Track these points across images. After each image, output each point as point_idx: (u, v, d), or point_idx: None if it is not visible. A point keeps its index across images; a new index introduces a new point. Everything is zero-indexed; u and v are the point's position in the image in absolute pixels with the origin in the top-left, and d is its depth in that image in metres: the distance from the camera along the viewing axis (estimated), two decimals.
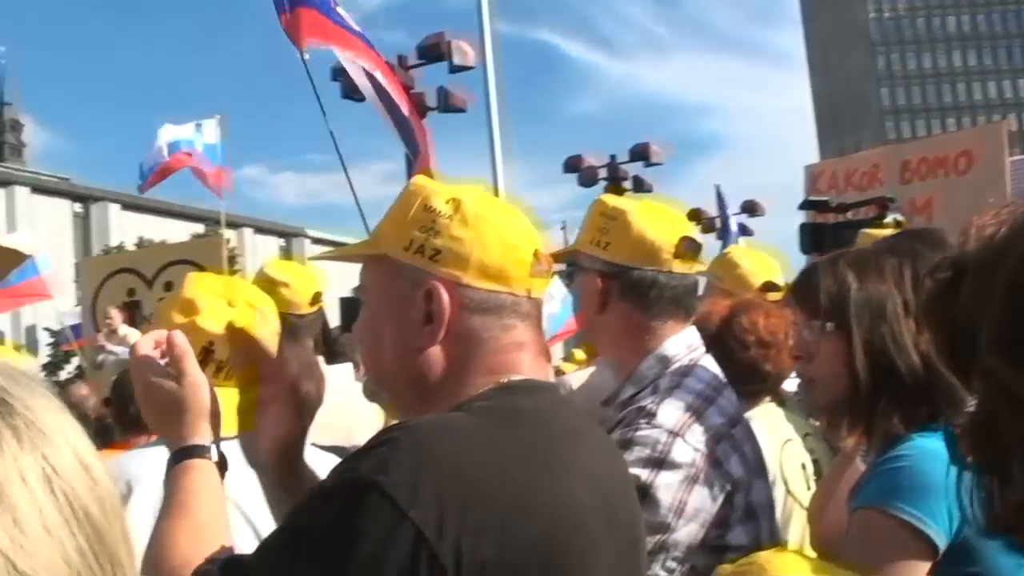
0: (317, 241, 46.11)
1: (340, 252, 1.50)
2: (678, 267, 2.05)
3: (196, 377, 1.49)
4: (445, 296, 1.33)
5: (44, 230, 12.69)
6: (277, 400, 1.61)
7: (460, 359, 1.34)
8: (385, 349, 1.39)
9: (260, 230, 43.31)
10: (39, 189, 35.62)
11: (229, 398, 1.77)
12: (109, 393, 3.82)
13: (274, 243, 44.31)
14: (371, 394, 2.12)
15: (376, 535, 1.10)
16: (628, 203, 2.11)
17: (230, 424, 1.75)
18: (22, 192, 34.68)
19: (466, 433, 1.21)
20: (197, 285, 1.93)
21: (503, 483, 1.16)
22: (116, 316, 9.58)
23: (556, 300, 7.26)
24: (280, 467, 1.59)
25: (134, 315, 9.84)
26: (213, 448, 1.48)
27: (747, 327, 2.71)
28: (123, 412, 3.41)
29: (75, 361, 28.29)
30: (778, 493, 2.51)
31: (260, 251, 42.41)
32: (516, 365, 1.36)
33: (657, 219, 2.08)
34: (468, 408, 1.29)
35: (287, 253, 44.82)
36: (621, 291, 2.05)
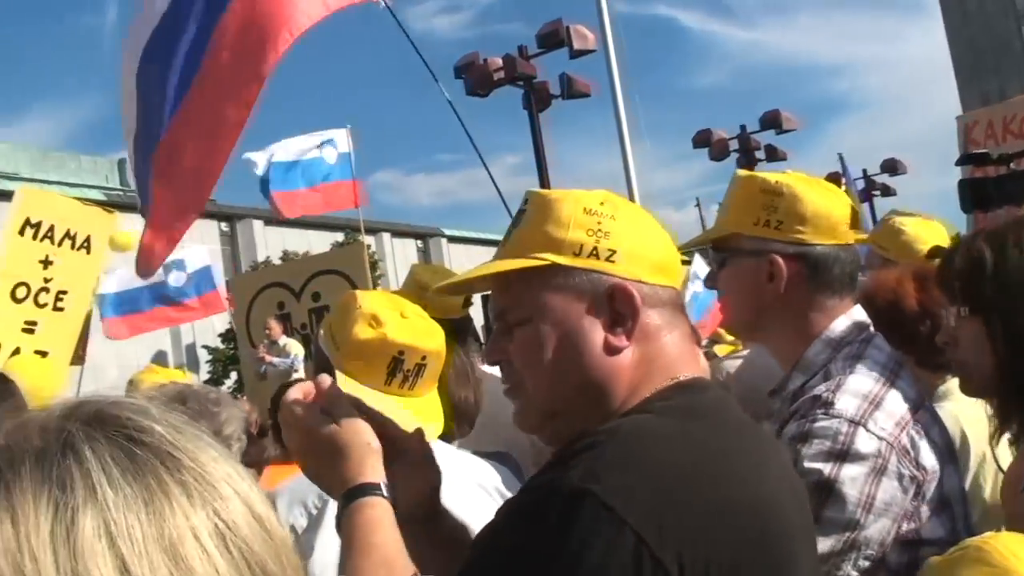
0: (453, 240, 46.70)
1: (497, 267, 1.43)
2: (852, 239, 1.96)
3: (354, 418, 1.48)
4: (637, 295, 1.33)
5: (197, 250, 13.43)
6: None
7: (647, 359, 1.34)
8: (561, 361, 1.35)
9: (397, 233, 44.16)
10: None
11: (421, 407, 1.90)
12: (271, 406, 3.92)
13: (412, 245, 45.12)
14: None
15: (597, 544, 1.08)
16: (789, 177, 2.00)
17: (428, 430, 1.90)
18: None
19: (666, 434, 1.21)
20: (372, 299, 2.02)
21: (711, 482, 1.16)
22: (275, 327, 9.90)
23: (697, 282, 7.11)
24: (422, 518, 1.55)
25: (286, 326, 10.17)
26: (384, 486, 1.45)
27: (921, 298, 2.53)
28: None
29: (234, 376, 29.53)
30: (988, 473, 2.36)
31: (399, 254, 43.25)
32: (688, 362, 1.35)
33: (822, 190, 1.98)
34: (651, 409, 1.28)
35: (425, 254, 45.58)
36: (799, 272, 1.94)
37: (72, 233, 6.34)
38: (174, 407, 2.21)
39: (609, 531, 1.08)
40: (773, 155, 22.45)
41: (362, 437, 1.47)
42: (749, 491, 1.19)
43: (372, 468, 1.45)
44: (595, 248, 1.34)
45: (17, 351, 6.01)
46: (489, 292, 1.50)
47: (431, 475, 1.60)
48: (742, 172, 2.10)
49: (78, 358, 12.35)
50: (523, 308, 1.38)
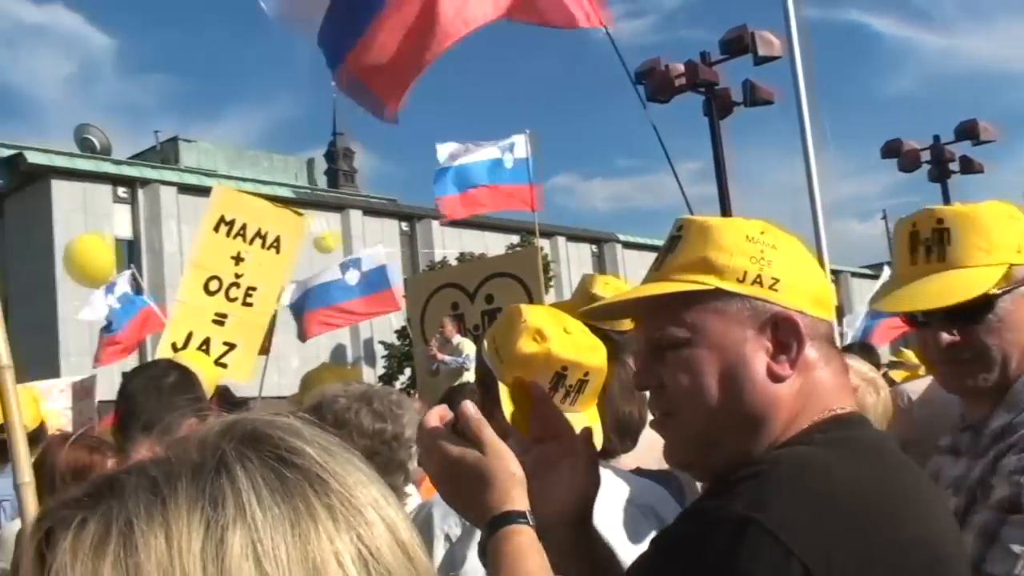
0: (628, 246, 46.48)
1: (660, 289, 1.40)
2: None
3: (498, 445, 1.46)
4: (804, 323, 1.32)
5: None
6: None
7: (806, 390, 1.32)
8: (723, 387, 1.33)
9: (572, 238, 44.33)
10: (370, 211, 38.54)
11: (581, 423, 1.92)
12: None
13: (586, 250, 45.19)
14: None
15: (763, 574, 1.08)
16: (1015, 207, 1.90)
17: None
18: (355, 215, 37.71)
19: (830, 466, 1.19)
20: (537, 314, 2.06)
21: (878, 517, 1.14)
22: (450, 326, 10.11)
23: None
24: (572, 523, 1.53)
25: (459, 327, 10.38)
26: (528, 515, 1.42)
27: None
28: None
29: (408, 372, 30.35)
30: None
31: (573, 259, 43.39)
32: (844, 395, 1.34)
33: None
34: (811, 441, 1.26)
35: (599, 259, 45.56)
36: None
37: (263, 232, 6.61)
38: (358, 407, 2.25)
39: (775, 560, 1.07)
40: (969, 167, 21.21)
41: (506, 464, 1.44)
42: (919, 528, 1.17)
43: (517, 497, 1.42)
44: (759, 276, 1.33)
45: (207, 341, 6.33)
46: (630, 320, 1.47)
47: (590, 479, 1.58)
48: (975, 204, 1.95)
49: (264, 349, 13.01)
50: (682, 330, 1.36)
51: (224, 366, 6.32)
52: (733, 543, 1.09)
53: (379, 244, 14.12)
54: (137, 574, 0.62)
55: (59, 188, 30.81)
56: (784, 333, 1.33)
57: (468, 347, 10.24)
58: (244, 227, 6.57)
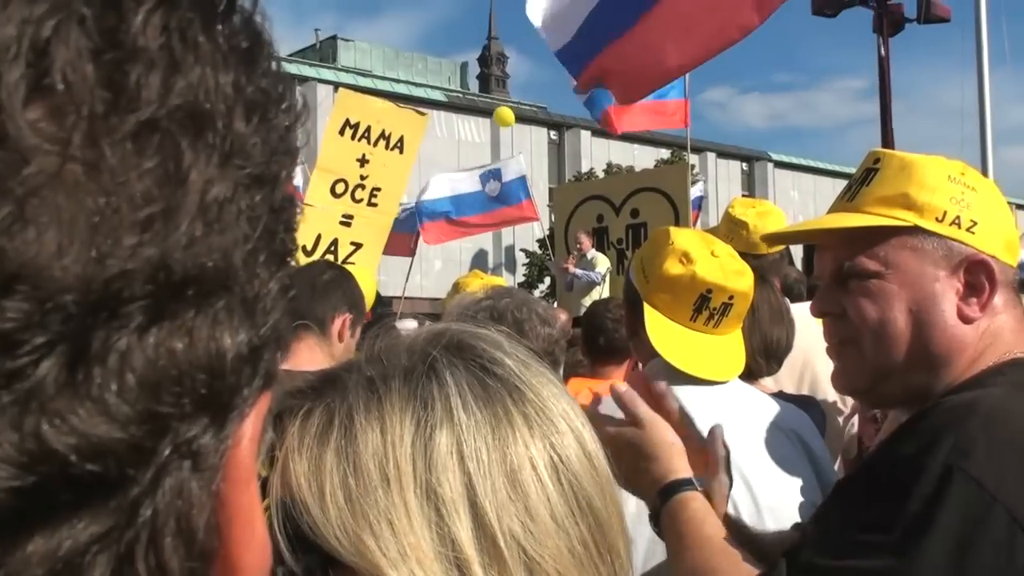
0: (780, 165, 45.16)
1: (861, 222, 1.40)
2: None
3: (653, 418, 1.47)
4: (996, 268, 1.34)
5: (524, 157, 13.74)
6: None
7: (991, 333, 1.34)
8: (911, 322, 1.35)
9: (723, 154, 43.31)
10: (520, 118, 38.56)
11: (723, 345, 1.94)
12: (582, 320, 4.04)
13: (736, 168, 44.12)
14: None
15: (966, 522, 1.09)
16: None
17: (721, 370, 1.99)
18: None
19: (1022, 410, 1.19)
20: (685, 237, 2.08)
21: None
22: (585, 240, 10.10)
23: None
24: None
25: (602, 240, 10.34)
26: (695, 480, 1.44)
27: None
28: (592, 342, 3.59)
29: (548, 280, 30.57)
30: None
31: (722, 176, 42.46)
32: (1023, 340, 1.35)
33: None
34: (990, 383, 1.27)
35: (749, 178, 44.43)
36: None
37: (387, 134, 6.76)
38: (529, 312, 2.28)
39: (980, 509, 1.09)
40: None
41: (664, 434, 1.46)
42: None
43: (680, 465, 1.44)
44: (958, 217, 1.35)
45: (335, 242, 6.54)
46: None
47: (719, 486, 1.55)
48: None
49: (409, 251, 13.23)
50: (874, 263, 1.38)
51: (352, 264, 6.42)
52: (937, 491, 1.11)
53: (520, 154, 14.09)
54: (356, 461, 0.68)
55: None
56: (976, 276, 1.35)
57: (602, 262, 10.18)
58: (368, 129, 6.73)
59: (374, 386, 0.72)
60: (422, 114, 7.27)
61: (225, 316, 0.34)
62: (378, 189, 6.73)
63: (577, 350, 3.80)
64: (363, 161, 6.70)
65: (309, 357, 2.74)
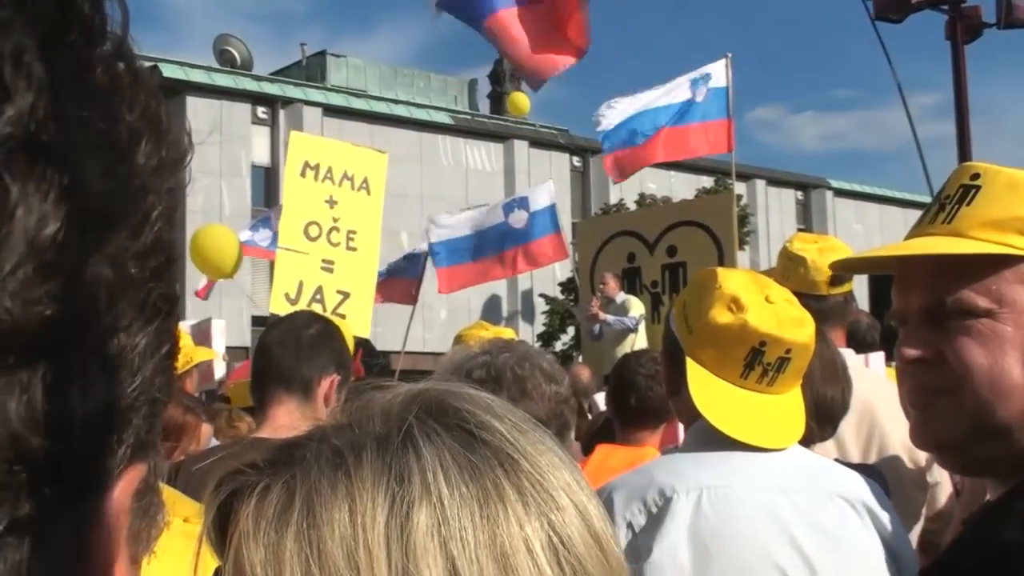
0: (840, 193, 45.22)
1: (967, 248, 1.36)
2: None
3: None
4: None
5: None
6: None
7: None
8: (1021, 376, 1.32)
9: (774, 182, 43.42)
10: (537, 143, 38.75)
11: (779, 407, 1.92)
12: (611, 376, 4.01)
13: (790, 197, 44.21)
14: None
15: None
16: None
17: (777, 436, 2.00)
18: (520, 147, 38.01)
19: None
20: (734, 279, 2.08)
21: None
22: (611, 282, 10.05)
23: None
24: None
25: (634, 283, 10.32)
26: None
27: None
28: (622, 402, 3.56)
29: (571, 331, 30.59)
30: None
31: (774, 206, 42.52)
32: None
33: None
34: None
35: (806, 208, 44.49)
36: None
37: (349, 175, 7.21)
38: (532, 368, 2.28)
39: None
40: None
41: None
42: None
43: None
44: None
45: (320, 290, 6.83)
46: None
47: None
48: None
49: (410, 298, 13.23)
50: (983, 299, 1.33)
51: (342, 316, 6.65)
52: None
53: (549, 180, 13.96)
54: (321, 547, 0.67)
55: (194, 106, 32.25)
56: None
57: (636, 306, 10.08)
58: (330, 170, 7.18)
59: (341, 458, 0.71)
60: (380, 152, 7.73)
61: (73, 373, 0.33)
62: (354, 232, 7.12)
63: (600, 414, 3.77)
64: (332, 202, 7.14)
65: (289, 423, 2.72)
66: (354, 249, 7.08)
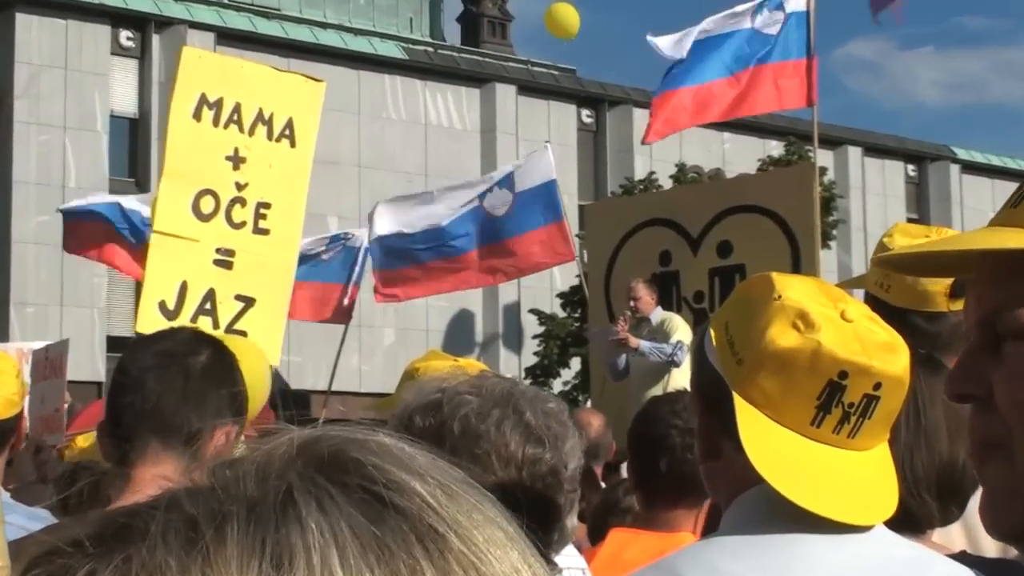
0: (969, 167, 45.38)
1: (1011, 242, 1.36)
2: None
3: None
4: None
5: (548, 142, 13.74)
6: None
7: None
8: None
9: (875, 150, 43.55)
10: (530, 88, 38.70)
11: (866, 468, 1.95)
12: (631, 430, 4.03)
13: (898, 170, 44.31)
14: None
15: None
16: None
17: (863, 508, 2.03)
18: (506, 93, 37.96)
19: None
20: (800, 288, 2.11)
21: None
22: (645, 293, 9.92)
23: None
24: None
25: (668, 294, 10.23)
26: None
27: None
28: (649, 467, 3.59)
29: (577, 363, 30.57)
30: None
31: (873, 183, 42.60)
32: None
33: None
34: None
35: (919, 187, 44.65)
36: None
37: (266, 116, 6.91)
38: (502, 416, 2.32)
39: None
40: None
41: None
42: None
43: None
44: None
45: (211, 295, 6.59)
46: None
47: None
48: None
49: (341, 314, 13.12)
50: None
51: (241, 334, 6.50)
52: None
53: (546, 145, 13.63)
54: None
55: (26, 27, 32.04)
56: None
57: (680, 329, 9.98)
58: (237, 109, 6.87)
59: (197, 532, 0.72)
60: (315, 81, 7.44)
61: None
62: (266, 205, 6.85)
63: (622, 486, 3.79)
64: (236, 159, 6.84)
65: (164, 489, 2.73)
66: (264, 232, 6.84)
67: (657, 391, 8.79)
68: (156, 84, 32.98)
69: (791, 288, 2.09)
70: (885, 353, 2.05)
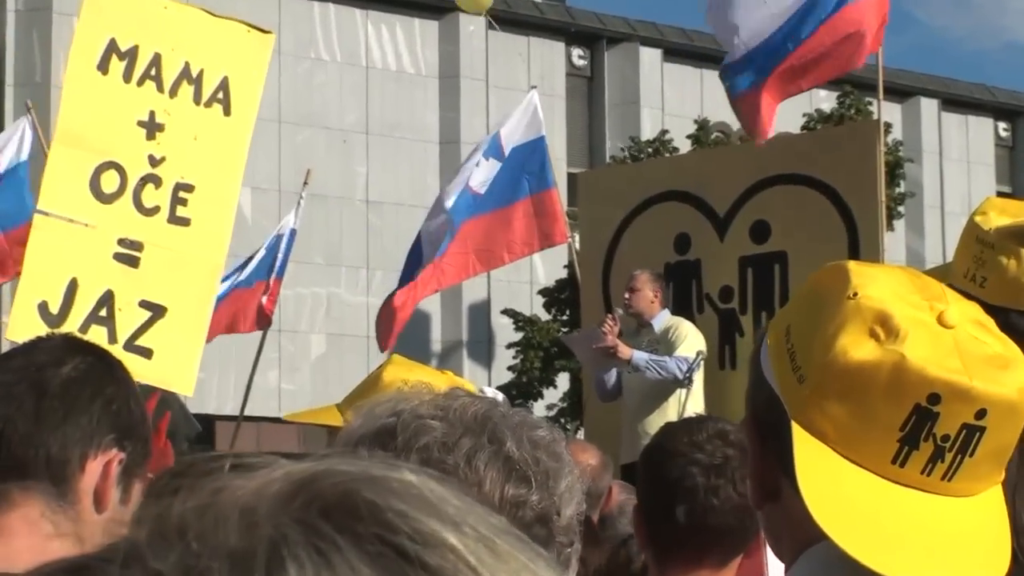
0: None
1: None
2: None
3: None
4: None
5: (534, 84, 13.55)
6: None
7: None
8: None
9: (955, 103, 43.62)
10: (504, 20, 38.69)
11: (968, 518, 1.96)
12: (640, 466, 4.05)
13: (986, 130, 44.35)
14: None
15: None
16: None
17: (962, 570, 2.05)
18: (471, 27, 38.03)
19: None
20: (881, 281, 2.11)
21: None
22: (646, 286, 9.86)
23: None
24: None
25: (687, 290, 10.23)
26: None
27: None
28: (662, 516, 3.61)
29: (565, 378, 30.57)
30: None
31: (954, 147, 42.60)
32: None
33: None
34: None
35: (1012, 152, 44.68)
36: None
37: (193, 71, 6.89)
38: (474, 447, 2.37)
39: None
40: None
41: None
42: None
43: None
44: None
45: (109, 298, 6.55)
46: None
47: None
48: None
49: (261, 319, 13.04)
50: None
51: (144, 353, 6.54)
52: None
53: (534, 89, 13.59)
54: None
55: None
56: None
57: (689, 338, 9.88)
58: (156, 62, 6.83)
59: None
60: (262, 32, 7.49)
61: None
62: (188, 188, 6.82)
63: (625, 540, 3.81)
64: (152, 127, 6.81)
65: (30, 544, 2.74)
66: (184, 222, 6.81)
67: (665, 418, 8.75)
68: (11, 13, 32.94)
69: (873, 282, 2.08)
70: (993, 370, 2.03)
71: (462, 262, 12.65)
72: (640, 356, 9.82)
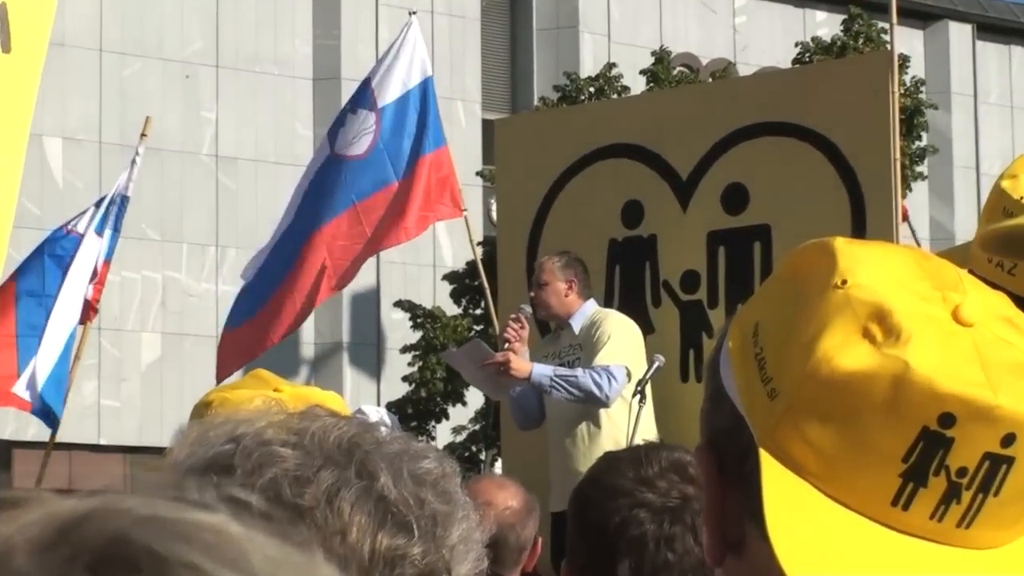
0: None
1: None
2: None
3: None
4: None
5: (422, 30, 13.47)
6: None
7: None
8: None
9: (989, 28, 44.03)
10: None
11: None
12: (569, 511, 4.10)
13: (1019, 55, 44.84)
14: None
15: None
16: None
17: None
18: None
19: None
20: (867, 264, 2.11)
21: None
22: (555, 277, 9.96)
23: None
24: None
25: (639, 277, 10.35)
26: None
27: None
28: (596, 573, 3.66)
29: (475, 396, 30.72)
30: None
31: (994, 81, 43.00)
32: None
33: None
34: None
35: None
36: None
37: None
38: (338, 482, 2.41)
39: None
40: None
41: None
42: None
43: None
44: None
45: None
46: None
47: None
48: None
49: (86, 314, 13.23)
50: None
51: None
52: None
53: (413, 15, 13.84)
54: None
55: None
56: None
57: (617, 338, 9.90)
58: None
59: None
60: None
61: None
62: None
63: None
64: None
65: None
66: None
67: (602, 448, 8.76)
68: None
69: (866, 266, 2.08)
70: (1013, 380, 2.01)
71: (339, 252, 12.94)
72: (541, 372, 9.72)
